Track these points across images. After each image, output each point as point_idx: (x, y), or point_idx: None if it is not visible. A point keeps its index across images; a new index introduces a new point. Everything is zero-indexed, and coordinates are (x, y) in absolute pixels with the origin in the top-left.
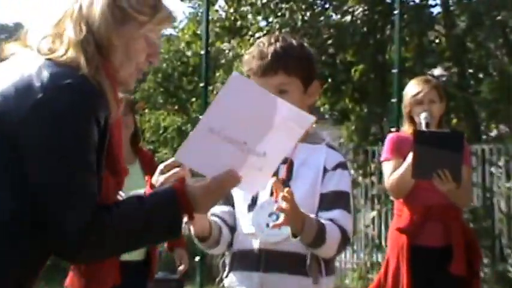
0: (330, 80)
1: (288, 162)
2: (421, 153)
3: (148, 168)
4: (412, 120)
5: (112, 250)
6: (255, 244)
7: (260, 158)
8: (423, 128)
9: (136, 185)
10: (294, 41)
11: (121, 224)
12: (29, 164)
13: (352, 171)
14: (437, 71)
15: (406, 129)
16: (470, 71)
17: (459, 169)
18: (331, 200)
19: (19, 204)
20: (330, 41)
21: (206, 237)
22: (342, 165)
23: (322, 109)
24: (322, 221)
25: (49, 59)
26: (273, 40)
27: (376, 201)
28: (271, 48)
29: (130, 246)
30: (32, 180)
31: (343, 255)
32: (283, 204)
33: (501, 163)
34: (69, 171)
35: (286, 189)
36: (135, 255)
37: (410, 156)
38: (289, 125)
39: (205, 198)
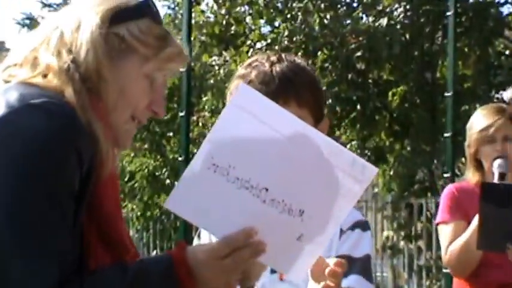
0: (359, 106)
1: None
2: (490, 215)
3: None
4: (478, 165)
5: None
6: None
7: (296, 219)
8: (495, 179)
9: None
10: (301, 61)
11: None
12: None
13: (391, 233)
14: (508, 94)
15: (471, 177)
16: None
17: None
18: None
19: None
20: (358, 53)
21: None
22: (361, 225)
23: (348, 147)
24: None
25: (21, 82)
26: (274, 59)
27: (424, 274)
28: (279, 70)
29: None
30: None
31: None
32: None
33: None
34: (29, 224)
35: (334, 260)
36: None
37: (476, 219)
38: (344, 177)
39: (213, 269)
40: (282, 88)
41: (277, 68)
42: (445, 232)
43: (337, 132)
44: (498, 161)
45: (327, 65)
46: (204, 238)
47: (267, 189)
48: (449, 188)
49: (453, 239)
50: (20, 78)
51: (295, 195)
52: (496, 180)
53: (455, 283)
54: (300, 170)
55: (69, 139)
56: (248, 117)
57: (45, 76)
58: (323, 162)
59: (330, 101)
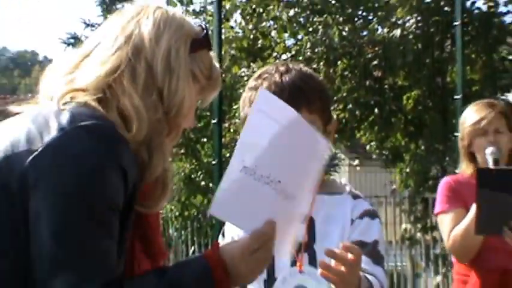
0: (376, 110)
1: (308, 220)
2: (487, 199)
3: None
4: (472, 157)
5: None
6: None
7: (291, 202)
8: (490, 165)
9: None
10: (309, 70)
11: None
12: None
13: (408, 226)
14: None
15: (464, 169)
16: None
17: None
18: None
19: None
20: (375, 62)
21: None
22: (369, 214)
23: (368, 147)
24: (369, 277)
25: (78, 102)
26: (283, 69)
27: (440, 262)
28: (288, 80)
29: None
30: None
31: None
32: (343, 268)
33: None
34: (76, 243)
35: (350, 246)
36: None
37: (474, 206)
38: (314, 156)
39: (248, 263)
40: (293, 97)
41: (287, 77)
42: (445, 221)
43: (358, 134)
44: (490, 148)
45: (346, 73)
46: (228, 236)
47: (280, 181)
48: (446, 180)
49: (454, 225)
50: (80, 100)
51: (292, 182)
52: (490, 165)
53: (457, 268)
54: (296, 158)
55: (114, 159)
56: (268, 120)
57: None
58: (317, 155)
59: (350, 105)
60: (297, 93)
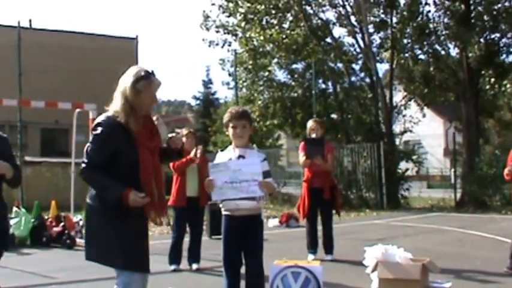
0: None
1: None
2: (308, 147)
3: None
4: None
5: (91, 185)
6: None
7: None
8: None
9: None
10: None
11: (89, 180)
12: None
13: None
14: None
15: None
16: None
17: (323, 154)
18: (267, 174)
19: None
20: None
21: None
22: (265, 158)
23: None
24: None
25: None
26: (238, 108)
27: None
28: (240, 110)
29: (98, 192)
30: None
31: None
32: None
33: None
34: (92, 150)
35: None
36: (193, 193)
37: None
38: None
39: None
40: (244, 114)
41: (240, 109)
42: (300, 155)
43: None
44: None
45: None
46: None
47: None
48: (302, 143)
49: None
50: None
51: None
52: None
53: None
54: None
55: (111, 126)
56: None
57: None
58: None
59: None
60: (244, 112)
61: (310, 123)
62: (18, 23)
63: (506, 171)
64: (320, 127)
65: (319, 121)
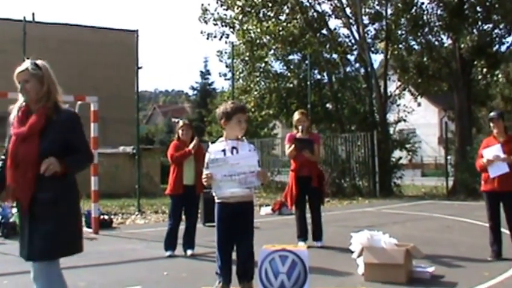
0: None
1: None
2: (297, 145)
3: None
4: (296, 128)
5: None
6: None
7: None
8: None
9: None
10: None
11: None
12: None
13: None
14: None
15: (299, 134)
16: None
17: (312, 149)
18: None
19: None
20: None
21: None
22: (255, 148)
23: None
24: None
25: None
26: (236, 103)
27: None
28: (239, 104)
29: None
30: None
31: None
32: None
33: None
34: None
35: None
36: (190, 181)
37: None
38: None
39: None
40: (242, 108)
41: (241, 104)
42: (287, 147)
43: None
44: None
45: None
46: (211, 153)
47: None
48: (289, 134)
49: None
50: None
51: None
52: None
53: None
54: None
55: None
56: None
57: None
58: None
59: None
60: (242, 107)
61: (297, 116)
62: (24, 18)
63: (480, 162)
64: (306, 118)
65: (306, 113)
